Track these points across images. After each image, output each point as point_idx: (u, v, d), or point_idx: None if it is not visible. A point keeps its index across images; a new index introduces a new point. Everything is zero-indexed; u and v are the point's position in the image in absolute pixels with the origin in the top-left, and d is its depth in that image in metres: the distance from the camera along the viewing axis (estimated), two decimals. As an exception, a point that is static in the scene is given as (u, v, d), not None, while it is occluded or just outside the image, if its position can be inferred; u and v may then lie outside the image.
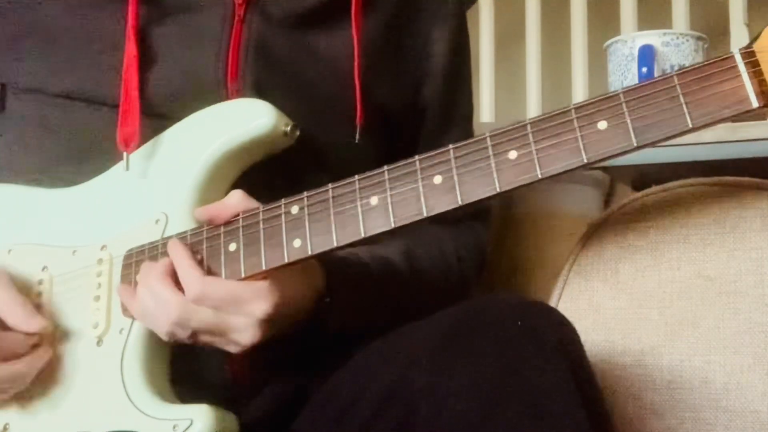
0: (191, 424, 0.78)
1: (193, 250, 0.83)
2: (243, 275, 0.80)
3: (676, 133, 0.70)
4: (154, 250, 0.86)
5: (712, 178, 1.02)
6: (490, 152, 0.74)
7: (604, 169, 1.24)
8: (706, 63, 0.70)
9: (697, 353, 0.96)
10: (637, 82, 1.12)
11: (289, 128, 0.86)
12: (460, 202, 0.74)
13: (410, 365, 0.78)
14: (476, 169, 0.74)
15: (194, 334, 0.80)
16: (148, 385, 0.83)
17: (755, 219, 0.98)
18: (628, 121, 0.70)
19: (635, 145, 0.70)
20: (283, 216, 0.80)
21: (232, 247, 0.81)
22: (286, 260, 0.79)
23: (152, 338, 0.85)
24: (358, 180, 0.78)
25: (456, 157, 0.75)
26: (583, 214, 1.28)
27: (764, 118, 1.15)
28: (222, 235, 0.82)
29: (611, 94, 0.72)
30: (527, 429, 0.71)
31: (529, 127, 0.73)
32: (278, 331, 0.83)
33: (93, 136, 0.92)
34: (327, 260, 0.86)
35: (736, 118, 0.70)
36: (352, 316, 0.89)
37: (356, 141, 0.94)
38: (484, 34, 2.26)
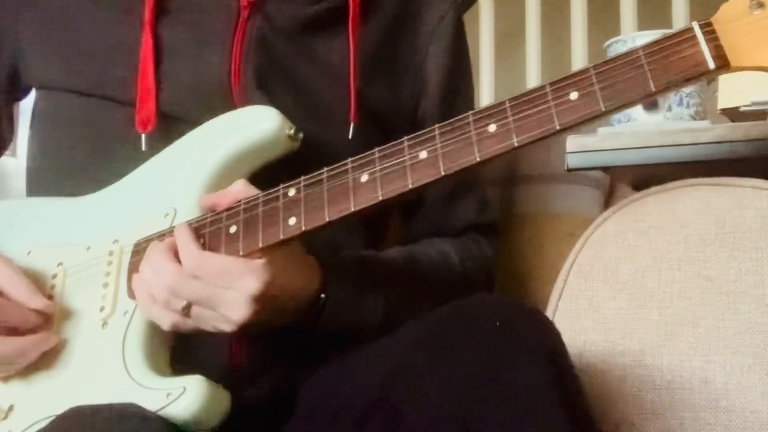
0: (184, 392, 0.80)
1: (197, 234, 0.87)
2: (241, 253, 0.84)
3: (641, 96, 0.76)
4: (162, 237, 0.89)
5: (712, 178, 1.02)
6: (471, 127, 0.79)
7: (604, 169, 1.24)
8: (667, 36, 0.76)
9: (697, 353, 0.96)
10: (637, 81, 1.13)
11: (292, 131, 0.91)
12: (442, 173, 0.79)
13: (394, 369, 0.79)
14: (458, 142, 0.79)
15: (188, 306, 0.83)
16: (147, 363, 0.86)
17: (755, 219, 0.98)
18: (597, 89, 0.76)
19: (603, 110, 0.76)
20: (281, 197, 0.85)
21: (233, 229, 0.85)
22: (281, 237, 0.83)
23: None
24: (351, 161, 0.83)
25: (441, 133, 0.80)
26: (583, 215, 1.28)
27: (764, 118, 1.15)
28: (224, 219, 0.86)
29: (582, 69, 0.79)
30: (507, 430, 0.71)
31: (507, 102, 0.79)
32: (272, 320, 0.85)
33: (116, 133, 0.97)
34: (325, 258, 0.89)
35: (695, 81, 0.76)
36: (346, 314, 0.91)
37: (349, 138, 0.97)
38: (484, 34, 2.26)
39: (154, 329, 0.88)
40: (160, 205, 0.93)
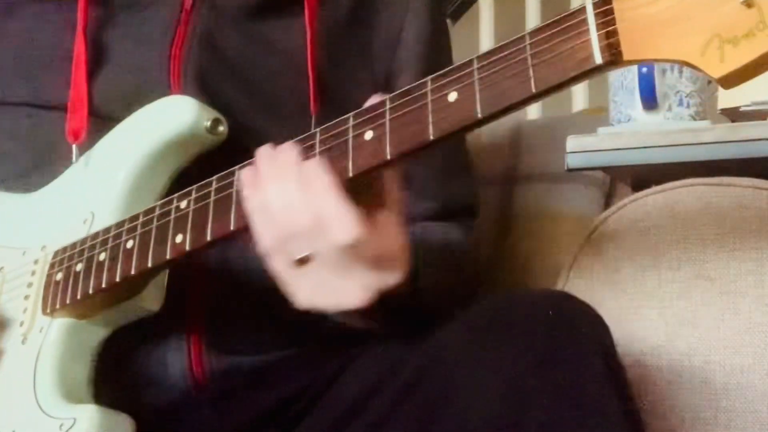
0: (74, 423, 0.77)
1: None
2: (133, 272, 0.80)
3: (520, 100, 0.65)
4: (74, 248, 0.86)
5: (712, 178, 1.02)
6: (350, 133, 0.72)
7: (604, 169, 1.24)
8: (557, 18, 0.64)
9: (697, 353, 0.96)
10: (636, 80, 1.12)
11: (209, 123, 0.84)
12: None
13: (441, 353, 0.77)
14: (338, 149, 0.72)
15: (310, 256, 0.71)
16: (57, 386, 0.82)
17: (755, 219, 0.98)
18: (477, 91, 0.66)
19: (479, 117, 0.66)
20: (173, 211, 0.80)
21: (129, 244, 0.82)
22: (168, 257, 0.79)
23: (70, 338, 0.85)
24: (239, 167, 0.76)
25: (322, 140, 0.73)
26: (583, 215, 1.28)
27: (764, 118, 1.15)
28: (124, 233, 0.83)
29: (465, 61, 0.68)
30: (564, 418, 0.70)
31: (387, 102, 0.71)
32: None
33: (56, 142, 0.93)
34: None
35: (586, 76, 0.64)
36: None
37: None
38: (484, 34, 2.27)
39: (69, 348, 0.84)
40: (80, 210, 0.89)
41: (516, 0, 2.28)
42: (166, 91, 0.89)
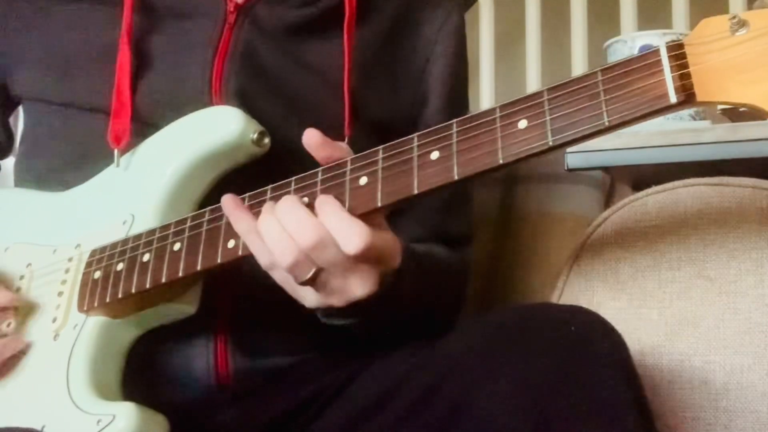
0: (113, 420, 0.78)
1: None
2: (180, 274, 0.82)
3: (593, 131, 0.68)
4: (114, 248, 0.87)
5: (712, 178, 1.02)
6: (415, 152, 0.75)
7: (605, 169, 1.24)
8: (632, 58, 0.68)
9: (697, 353, 0.96)
10: (637, 82, 1.12)
11: (256, 135, 0.86)
12: (379, 204, 0.75)
13: (456, 364, 0.78)
14: (399, 165, 0.75)
15: (316, 274, 0.75)
16: (91, 383, 0.83)
17: (755, 219, 0.98)
18: (548, 120, 0.69)
19: (550, 145, 0.69)
20: (224, 218, 0.81)
21: (176, 246, 0.83)
22: (219, 261, 0.81)
23: (105, 336, 0.86)
24: (295, 180, 0.79)
25: (384, 157, 0.76)
26: (583, 214, 1.28)
27: (764, 118, 1.15)
28: (170, 236, 0.84)
29: (534, 93, 0.71)
30: (588, 427, 0.71)
31: (454, 126, 0.74)
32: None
33: (92, 142, 0.94)
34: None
35: (658, 113, 0.67)
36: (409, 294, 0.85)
37: None
38: (484, 34, 2.27)
39: (102, 345, 0.85)
40: (119, 211, 0.90)
41: (516, 0, 2.28)
42: (206, 102, 0.91)
